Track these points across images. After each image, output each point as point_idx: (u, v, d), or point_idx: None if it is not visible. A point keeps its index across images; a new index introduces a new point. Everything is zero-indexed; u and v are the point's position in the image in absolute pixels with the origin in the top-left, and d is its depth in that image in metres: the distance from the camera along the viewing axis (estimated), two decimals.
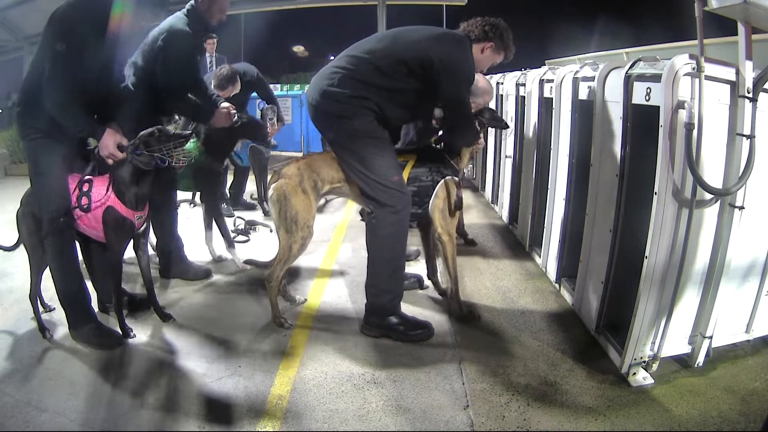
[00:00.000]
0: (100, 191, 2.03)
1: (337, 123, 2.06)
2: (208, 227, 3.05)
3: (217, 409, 1.70)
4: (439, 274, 2.60)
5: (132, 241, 2.17)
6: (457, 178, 2.29)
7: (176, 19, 2.47)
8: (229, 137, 3.01)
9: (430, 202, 2.25)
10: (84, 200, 2.02)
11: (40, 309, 2.21)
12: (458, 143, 2.32)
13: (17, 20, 5.96)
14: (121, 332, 2.11)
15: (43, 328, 2.13)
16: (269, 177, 2.26)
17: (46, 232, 2.00)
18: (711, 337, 1.87)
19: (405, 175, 2.21)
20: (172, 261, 2.78)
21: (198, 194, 3.46)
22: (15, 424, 1.61)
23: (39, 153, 1.98)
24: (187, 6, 2.51)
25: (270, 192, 2.19)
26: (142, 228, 2.17)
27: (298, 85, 7.84)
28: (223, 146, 3.05)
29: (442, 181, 2.25)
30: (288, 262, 2.22)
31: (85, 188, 2.03)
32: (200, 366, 1.94)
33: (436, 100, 2.16)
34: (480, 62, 2.16)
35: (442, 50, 2.00)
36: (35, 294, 2.17)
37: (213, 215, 3.03)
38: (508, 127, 2.75)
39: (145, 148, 2.01)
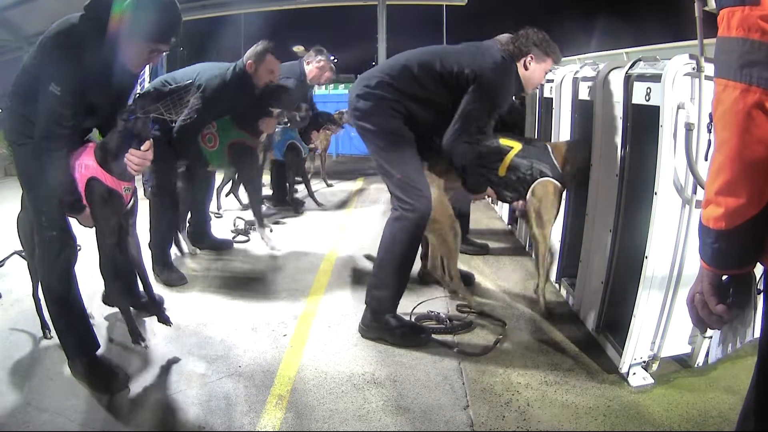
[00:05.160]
0: (83, 163, 1.78)
1: (366, 120, 2.15)
2: (260, 225, 2.94)
3: (217, 409, 1.70)
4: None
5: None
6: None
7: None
8: (256, 106, 2.91)
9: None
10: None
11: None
12: (457, 160, 2.18)
13: (17, 20, 5.95)
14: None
15: (45, 327, 2.11)
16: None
17: (40, 245, 1.77)
18: (711, 337, 1.87)
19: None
20: (201, 234, 3.14)
21: (235, 177, 3.39)
22: (15, 424, 1.61)
23: (29, 158, 1.71)
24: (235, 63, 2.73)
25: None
26: (130, 204, 1.92)
27: None
28: (253, 117, 2.95)
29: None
30: (453, 257, 2.33)
31: None
32: (200, 366, 1.94)
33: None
34: (531, 78, 2.18)
35: (484, 66, 2.06)
36: (37, 294, 2.16)
37: (254, 197, 2.91)
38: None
39: (142, 111, 1.79)
